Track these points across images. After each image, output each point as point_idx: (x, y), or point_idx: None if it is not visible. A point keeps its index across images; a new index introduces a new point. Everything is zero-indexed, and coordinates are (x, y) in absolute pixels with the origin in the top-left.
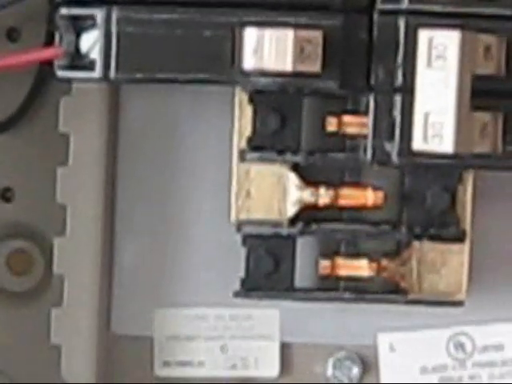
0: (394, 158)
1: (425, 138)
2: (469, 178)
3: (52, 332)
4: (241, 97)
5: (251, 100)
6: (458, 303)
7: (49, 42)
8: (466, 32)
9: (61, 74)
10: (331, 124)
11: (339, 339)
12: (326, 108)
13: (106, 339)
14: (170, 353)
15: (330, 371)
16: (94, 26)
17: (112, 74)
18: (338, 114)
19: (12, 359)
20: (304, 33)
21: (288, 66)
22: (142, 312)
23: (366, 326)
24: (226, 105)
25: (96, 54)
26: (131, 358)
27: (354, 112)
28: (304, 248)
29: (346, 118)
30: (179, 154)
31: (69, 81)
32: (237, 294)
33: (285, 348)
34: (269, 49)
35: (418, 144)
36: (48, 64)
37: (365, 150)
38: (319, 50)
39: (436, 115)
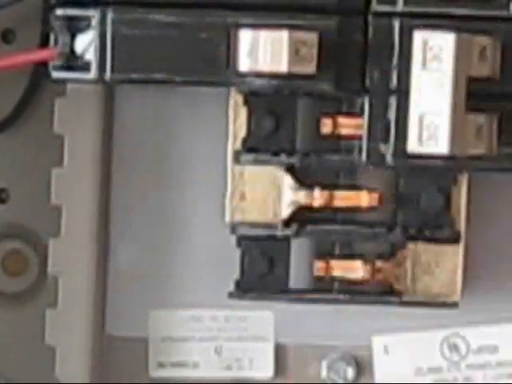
0: (389, 159)
1: (420, 139)
2: (463, 180)
3: (46, 333)
4: (236, 98)
5: (246, 101)
6: (452, 305)
7: (44, 43)
8: (460, 34)
9: (56, 74)
10: (326, 125)
11: (334, 340)
12: (320, 109)
13: (101, 340)
14: (164, 354)
15: (324, 372)
16: (88, 26)
17: (107, 74)
18: (333, 116)
19: (7, 359)
20: (299, 34)
21: (283, 68)
22: (136, 313)
23: (361, 327)
24: (221, 106)
25: (91, 55)
26: (126, 359)
27: (349, 113)
28: (299, 249)
29: (341, 120)
30: (174, 155)
31: (63, 82)
32: (231, 296)
33: (279, 349)
34: (264, 50)
35: (412, 145)
36: (43, 65)
37: (360, 152)
38: (314, 52)
39: (431, 117)
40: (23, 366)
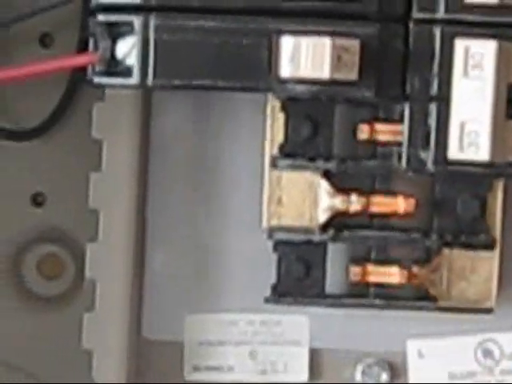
0: (430, 166)
1: (460, 146)
2: (499, 186)
3: (83, 337)
4: (273, 104)
5: (283, 107)
6: (487, 310)
7: (81, 48)
8: (502, 41)
9: (97, 80)
10: (363, 131)
11: (368, 345)
12: (357, 115)
13: (137, 344)
14: (199, 357)
15: (358, 377)
16: (129, 32)
17: (149, 80)
18: (370, 122)
19: (43, 363)
20: (341, 41)
21: (325, 74)
22: (172, 317)
23: (396, 332)
24: (259, 112)
25: (132, 61)
26: (161, 362)
27: (385, 120)
28: (335, 254)
29: (378, 126)
30: (211, 160)
31: (102, 87)
32: (268, 300)
33: (314, 354)
34: (305, 57)
35: (453, 152)
36: (81, 70)
37: (398, 158)
38: (356, 59)
39: (472, 124)
40: (60, 369)
